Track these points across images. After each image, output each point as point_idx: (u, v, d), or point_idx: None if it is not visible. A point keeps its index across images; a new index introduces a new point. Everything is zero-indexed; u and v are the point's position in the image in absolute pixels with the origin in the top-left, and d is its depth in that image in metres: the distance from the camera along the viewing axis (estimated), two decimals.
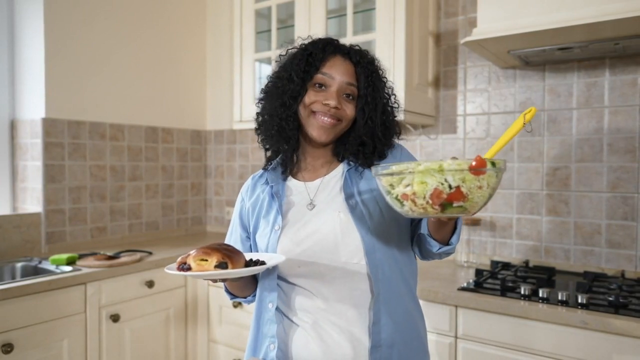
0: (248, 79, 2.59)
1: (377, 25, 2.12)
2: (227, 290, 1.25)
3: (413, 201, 0.84)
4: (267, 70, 2.65)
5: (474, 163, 0.80)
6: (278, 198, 1.15)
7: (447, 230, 1.05)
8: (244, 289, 1.21)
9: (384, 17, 2.09)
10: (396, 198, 0.87)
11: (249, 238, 1.23)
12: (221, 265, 0.96)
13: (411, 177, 0.84)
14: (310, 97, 1.11)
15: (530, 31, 1.67)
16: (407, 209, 0.86)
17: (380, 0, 2.09)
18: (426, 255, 1.16)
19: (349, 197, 1.10)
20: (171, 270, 0.98)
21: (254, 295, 1.22)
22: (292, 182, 1.19)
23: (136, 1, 2.78)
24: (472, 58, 2.28)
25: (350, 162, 1.15)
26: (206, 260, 0.96)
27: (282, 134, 1.14)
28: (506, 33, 1.71)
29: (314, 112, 1.11)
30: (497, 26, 1.75)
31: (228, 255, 0.97)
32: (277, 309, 1.12)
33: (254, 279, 1.21)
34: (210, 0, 3.19)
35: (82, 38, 2.52)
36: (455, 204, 0.82)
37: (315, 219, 1.11)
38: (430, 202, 0.82)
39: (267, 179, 1.20)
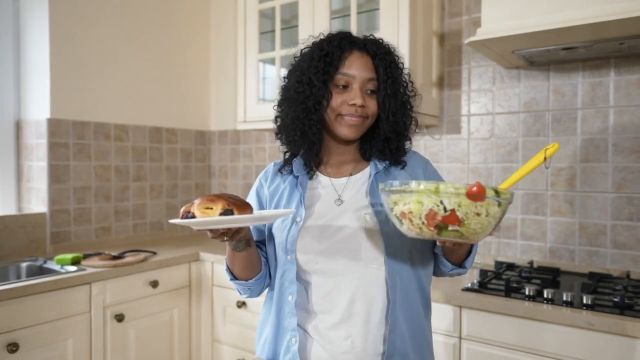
0: (252, 79, 2.59)
1: (380, 25, 2.11)
2: (228, 269, 1.17)
3: (410, 220, 0.84)
4: (271, 70, 2.65)
5: (474, 189, 0.79)
6: (302, 189, 1.13)
7: (461, 253, 1.05)
8: (247, 266, 1.14)
9: (388, 18, 2.09)
10: (396, 216, 0.88)
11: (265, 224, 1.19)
12: (226, 213, 0.90)
13: (410, 196, 0.84)
14: (336, 100, 1.09)
15: (535, 31, 1.66)
16: (405, 228, 0.87)
17: (384, 1, 2.09)
18: (438, 273, 1.17)
19: (374, 201, 1.09)
20: (175, 220, 0.93)
21: (257, 279, 1.16)
22: (317, 175, 1.17)
23: (140, 2, 2.79)
24: (476, 58, 2.28)
25: (378, 164, 1.14)
26: (211, 208, 0.91)
27: (305, 138, 1.12)
28: (510, 33, 1.71)
29: (341, 115, 1.10)
30: (501, 26, 1.75)
31: (234, 203, 0.92)
32: None
33: (259, 261, 1.16)
34: (214, 0, 3.20)
35: (86, 39, 2.53)
36: (450, 228, 0.81)
37: (342, 217, 1.09)
38: (426, 222, 0.82)
39: (292, 169, 1.17)
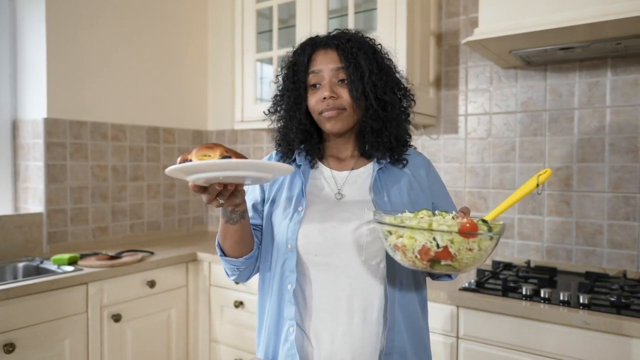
0: (249, 79, 2.59)
1: (378, 25, 2.11)
2: (218, 245, 1.14)
3: (404, 252, 0.87)
4: (269, 70, 2.65)
5: (467, 225, 0.82)
6: (305, 177, 1.14)
7: None
8: (240, 241, 1.10)
9: (385, 17, 2.09)
10: (390, 246, 0.90)
11: (264, 204, 1.19)
12: (225, 159, 0.88)
13: (403, 230, 0.86)
14: (310, 101, 1.13)
15: (532, 31, 1.66)
16: (398, 258, 0.89)
17: (382, 1, 2.09)
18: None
19: (378, 198, 1.10)
20: (172, 167, 0.89)
21: (247, 258, 1.13)
22: (319, 165, 1.18)
23: (138, 1, 2.78)
24: (474, 58, 2.28)
25: (381, 161, 1.15)
26: (209, 155, 0.90)
27: (297, 142, 1.16)
28: (508, 33, 1.71)
29: (320, 113, 1.12)
30: (498, 26, 1.75)
31: (233, 151, 0.91)
32: None
33: (252, 238, 1.14)
34: (211, 0, 3.19)
35: (83, 38, 2.53)
36: (443, 262, 0.84)
37: (343, 211, 1.09)
38: (419, 256, 0.85)
39: (295, 157, 1.19)
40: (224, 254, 1.14)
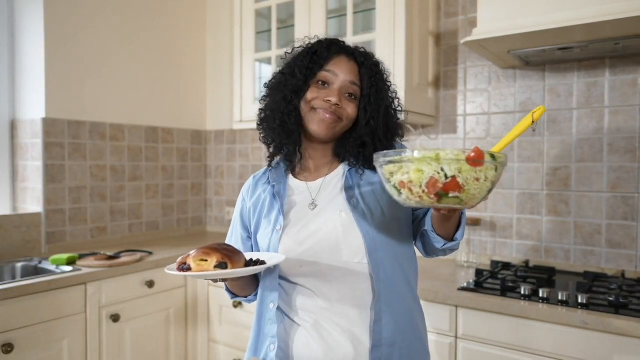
0: (248, 79, 2.59)
1: (377, 25, 2.12)
2: (227, 289, 1.24)
3: (410, 189, 0.84)
4: (267, 70, 2.65)
5: (472, 154, 0.80)
6: (280, 198, 1.15)
7: (451, 226, 1.04)
8: (245, 288, 1.21)
9: (384, 17, 2.09)
10: (394, 186, 0.87)
11: (250, 238, 1.23)
12: (221, 266, 0.97)
13: (409, 165, 0.83)
14: (312, 93, 1.11)
15: (531, 31, 1.67)
16: (404, 197, 0.86)
17: (381, 0, 2.09)
18: (430, 252, 1.15)
19: (350, 196, 1.11)
20: (171, 270, 0.99)
21: (255, 295, 1.22)
22: (294, 182, 1.19)
23: (137, 2, 2.78)
24: (472, 58, 2.28)
25: (352, 161, 1.15)
26: (206, 260, 0.97)
27: (284, 128, 1.14)
28: (506, 33, 1.71)
29: (314, 109, 1.11)
30: (497, 26, 1.75)
31: (228, 256, 0.98)
32: (279, 308, 1.12)
33: (255, 279, 1.21)
34: (210, 0, 3.19)
35: (82, 38, 2.52)
36: (451, 194, 0.81)
37: (318, 219, 1.11)
38: (426, 190, 0.82)
39: (269, 178, 1.20)
40: (235, 295, 1.25)
